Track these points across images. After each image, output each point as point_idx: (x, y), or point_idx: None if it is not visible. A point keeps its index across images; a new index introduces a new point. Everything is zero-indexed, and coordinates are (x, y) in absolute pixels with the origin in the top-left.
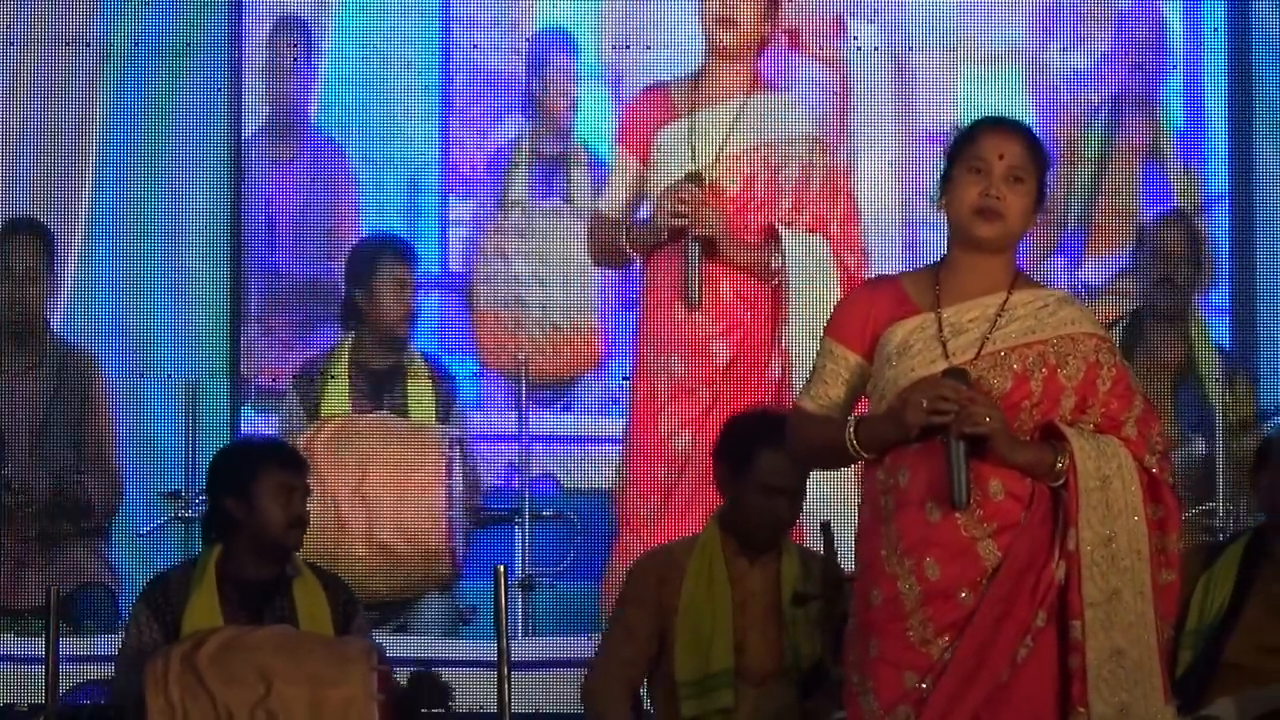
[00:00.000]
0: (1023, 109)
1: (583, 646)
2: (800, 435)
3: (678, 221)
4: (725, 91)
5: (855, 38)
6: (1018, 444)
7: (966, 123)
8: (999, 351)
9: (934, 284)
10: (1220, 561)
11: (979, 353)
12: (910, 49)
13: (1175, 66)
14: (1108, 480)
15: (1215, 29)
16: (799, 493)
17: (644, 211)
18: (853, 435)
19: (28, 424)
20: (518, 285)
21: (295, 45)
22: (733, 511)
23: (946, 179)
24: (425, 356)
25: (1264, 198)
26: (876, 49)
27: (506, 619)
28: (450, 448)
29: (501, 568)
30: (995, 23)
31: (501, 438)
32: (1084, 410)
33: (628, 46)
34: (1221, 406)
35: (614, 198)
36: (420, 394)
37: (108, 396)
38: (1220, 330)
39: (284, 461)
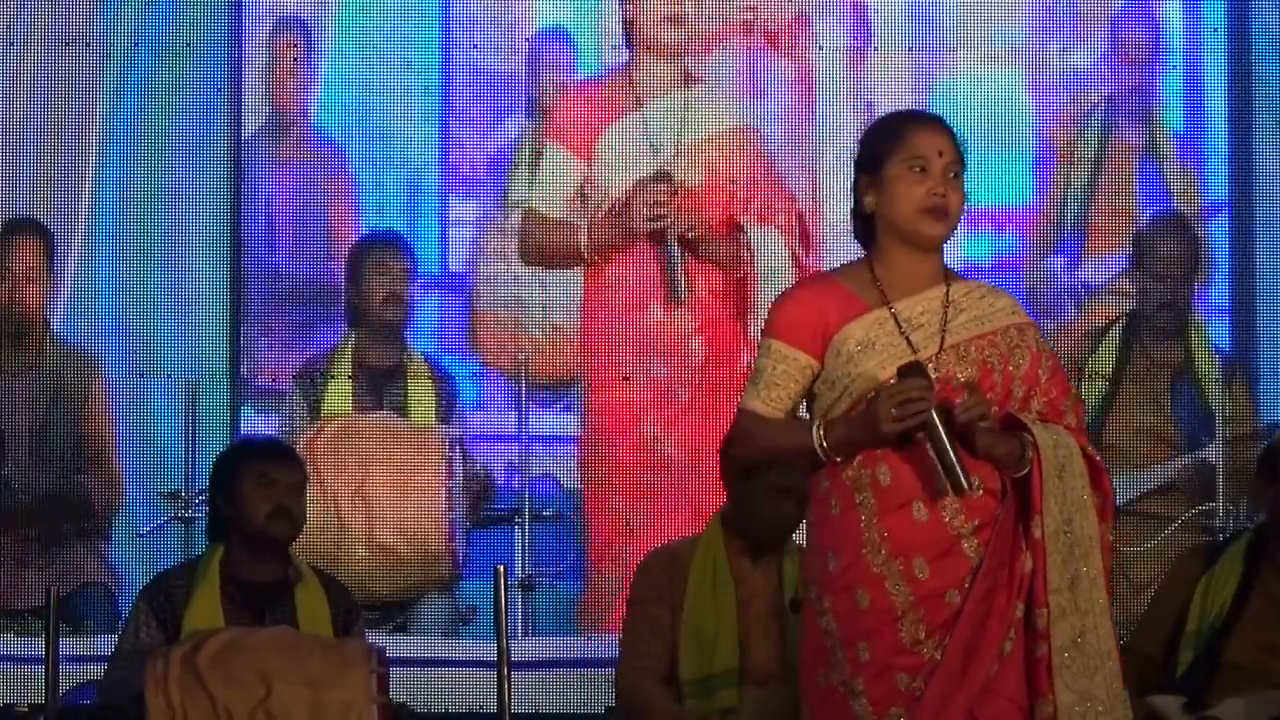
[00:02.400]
0: (1022, 108)
1: (582, 647)
2: (757, 437)
3: (652, 224)
4: (660, 86)
5: (819, 39)
6: (998, 435)
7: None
8: (959, 344)
9: (873, 280)
10: (1221, 562)
11: (941, 346)
12: (878, 48)
13: (1175, 66)
14: (1063, 468)
15: (1215, 29)
16: (805, 495)
17: (580, 213)
18: (823, 439)
19: (28, 424)
20: (518, 285)
21: (295, 45)
22: (737, 511)
23: (873, 176)
24: (426, 356)
25: (1264, 199)
26: (837, 48)
27: (506, 619)
28: (450, 448)
29: (501, 568)
30: (997, 22)
31: (502, 438)
32: (1029, 400)
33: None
34: (1220, 408)
35: (554, 195)
36: (421, 393)
37: (108, 396)
38: (1220, 331)
39: (263, 453)
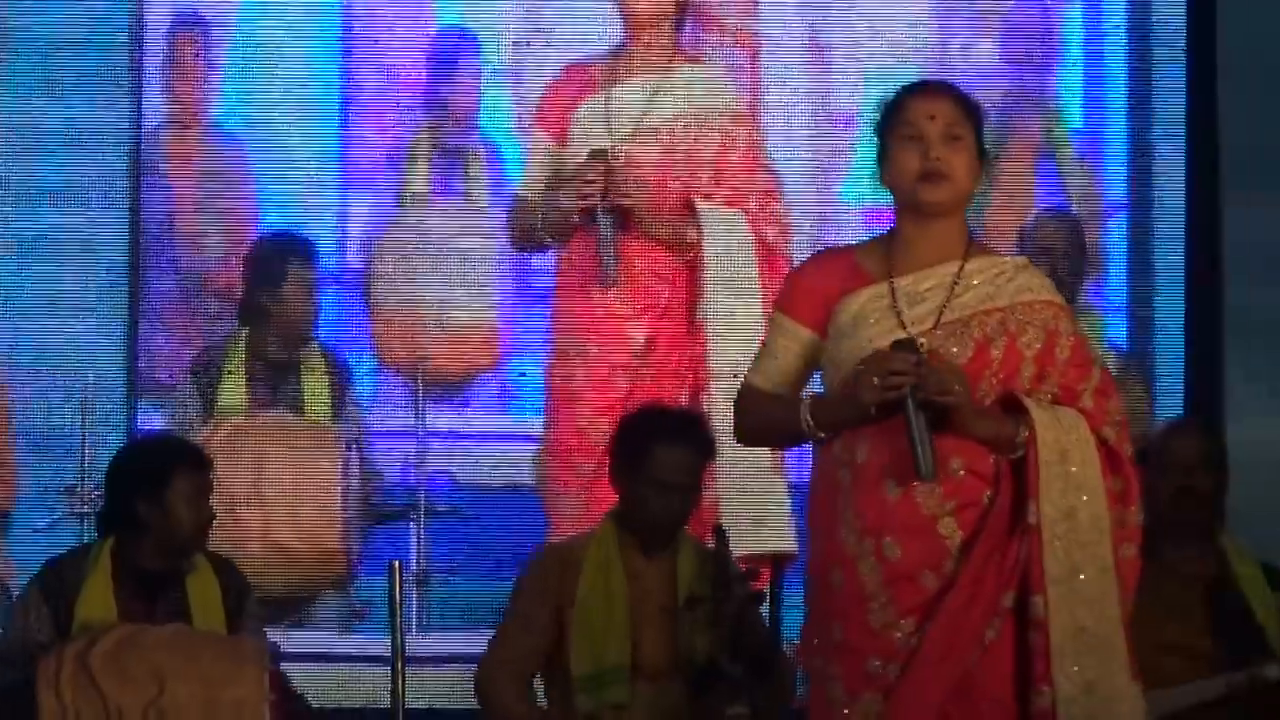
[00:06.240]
0: None
1: (478, 642)
2: (752, 414)
3: (584, 202)
4: (646, 64)
5: (769, 19)
6: (980, 415)
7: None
8: (957, 320)
9: (886, 254)
10: None
11: (937, 322)
12: (820, 35)
13: (1075, 64)
14: (1067, 453)
15: (1116, 26)
16: (694, 489)
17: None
18: (808, 416)
19: None
20: (416, 282)
21: (195, 42)
22: (628, 508)
23: (882, 155)
24: (323, 352)
25: (1162, 196)
26: (789, 29)
27: (401, 615)
28: (346, 446)
29: (396, 563)
30: (897, 19)
31: (398, 434)
32: (1042, 380)
33: (528, 44)
34: None
35: (535, 179)
36: (316, 388)
37: (3, 392)
38: (1118, 329)
39: (197, 465)
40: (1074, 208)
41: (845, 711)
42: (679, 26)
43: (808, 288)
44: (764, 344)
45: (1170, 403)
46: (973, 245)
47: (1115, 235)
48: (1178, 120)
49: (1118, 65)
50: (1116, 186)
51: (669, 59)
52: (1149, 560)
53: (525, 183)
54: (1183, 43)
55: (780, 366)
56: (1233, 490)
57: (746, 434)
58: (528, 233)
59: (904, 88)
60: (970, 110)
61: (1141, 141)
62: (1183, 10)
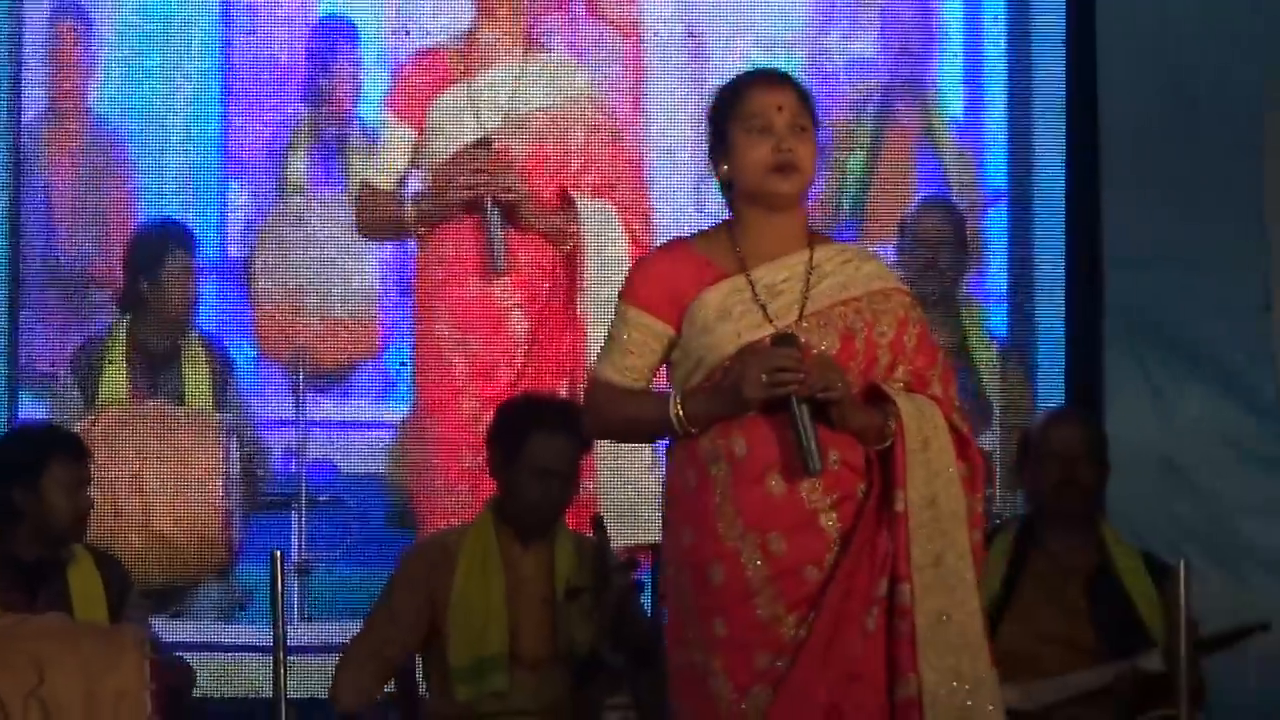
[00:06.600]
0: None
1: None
2: (610, 409)
3: (470, 193)
4: (500, 53)
5: (649, 6)
6: (857, 407)
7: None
8: (820, 311)
9: (732, 246)
10: (990, 551)
11: (801, 313)
12: (700, 26)
13: (954, 54)
14: (928, 441)
15: (996, 16)
16: (571, 477)
17: (416, 183)
18: (680, 410)
19: None
20: (296, 272)
21: (75, 30)
22: (506, 496)
23: (720, 144)
24: (204, 338)
25: (1042, 186)
26: (670, 19)
27: (283, 604)
28: (227, 435)
29: (277, 552)
30: (778, 9)
31: (279, 423)
32: (894, 369)
33: (408, 32)
34: (997, 395)
35: (387, 168)
36: (197, 378)
37: None
38: (998, 319)
39: (74, 454)
40: (954, 197)
41: (742, 706)
42: (531, 16)
43: (659, 281)
44: (613, 337)
45: (1050, 393)
46: (814, 234)
47: (996, 225)
48: (1058, 110)
49: (997, 55)
50: (997, 176)
51: (524, 49)
52: (1032, 550)
53: (380, 170)
54: (1062, 33)
55: (636, 361)
56: (1110, 480)
57: (604, 429)
58: (385, 223)
59: (743, 77)
60: (808, 100)
61: (1021, 131)
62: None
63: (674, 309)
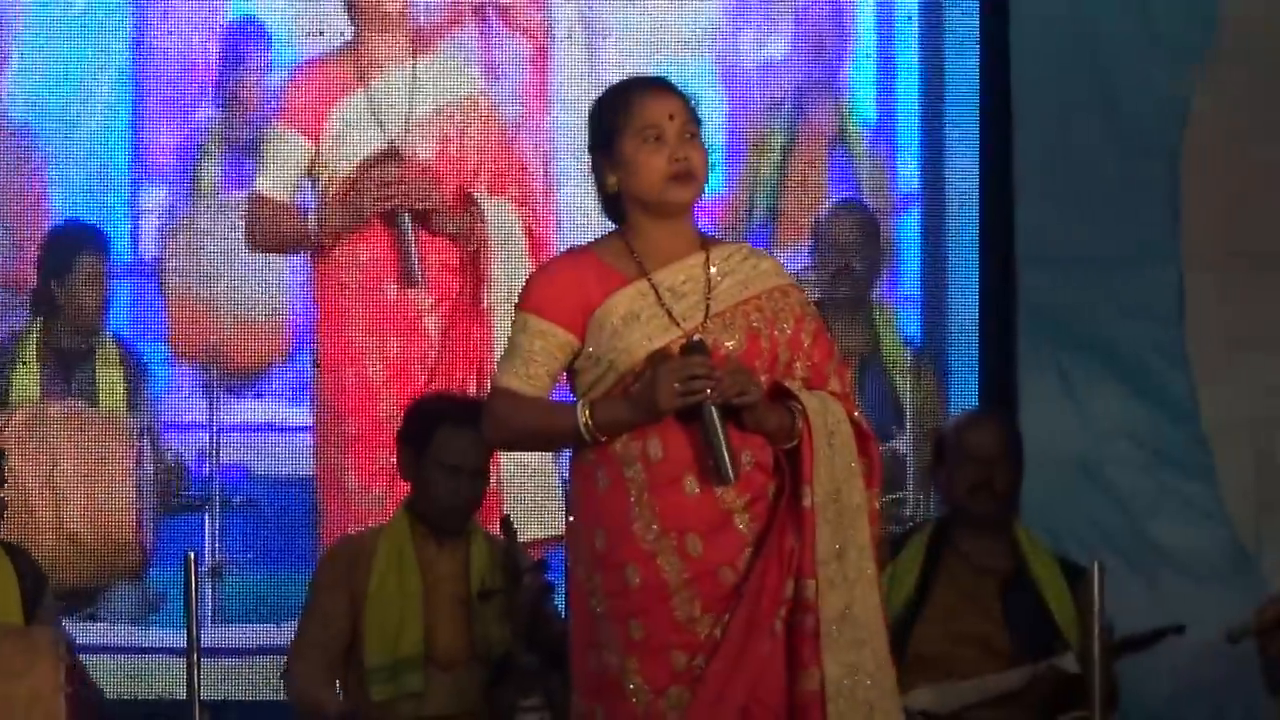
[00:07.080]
0: (713, 98)
1: (272, 634)
2: (514, 419)
3: (383, 204)
4: (388, 59)
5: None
6: (769, 410)
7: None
8: (724, 312)
9: (629, 252)
10: (904, 553)
11: (707, 314)
12: (606, 30)
13: (867, 56)
14: (832, 435)
15: (910, 17)
16: (481, 472)
17: (313, 195)
18: (589, 419)
19: None
20: (208, 275)
21: None
22: (417, 495)
23: (610, 155)
24: (117, 339)
25: (955, 189)
26: (574, 24)
27: (196, 606)
28: (140, 437)
29: (191, 555)
30: (689, 10)
31: (192, 426)
32: (792, 365)
33: (322, 33)
34: (910, 398)
35: (282, 179)
36: (110, 379)
37: None
38: (911, 322)
39: None
40: (867, 200)
41: (660, 706)
42: (416, 19)
43: (562, 289)
44: (514, 345)
45: (964, 395)
46: (705, 236)
47: (908, 227)
48: (970, 112)
49: (910, 57)
50: (909, 179)
51: (412, 52)
52: (946, 552)
53: (274, 181)
54: (975, 34)
55: (539, 370)
56: (1025, 481)
57: (506, 439)
58: (282, 236)
59: (629, 86)
60: (692, 104)
61: (934, 134)
62: (975, 1)
63: (578, 317)
